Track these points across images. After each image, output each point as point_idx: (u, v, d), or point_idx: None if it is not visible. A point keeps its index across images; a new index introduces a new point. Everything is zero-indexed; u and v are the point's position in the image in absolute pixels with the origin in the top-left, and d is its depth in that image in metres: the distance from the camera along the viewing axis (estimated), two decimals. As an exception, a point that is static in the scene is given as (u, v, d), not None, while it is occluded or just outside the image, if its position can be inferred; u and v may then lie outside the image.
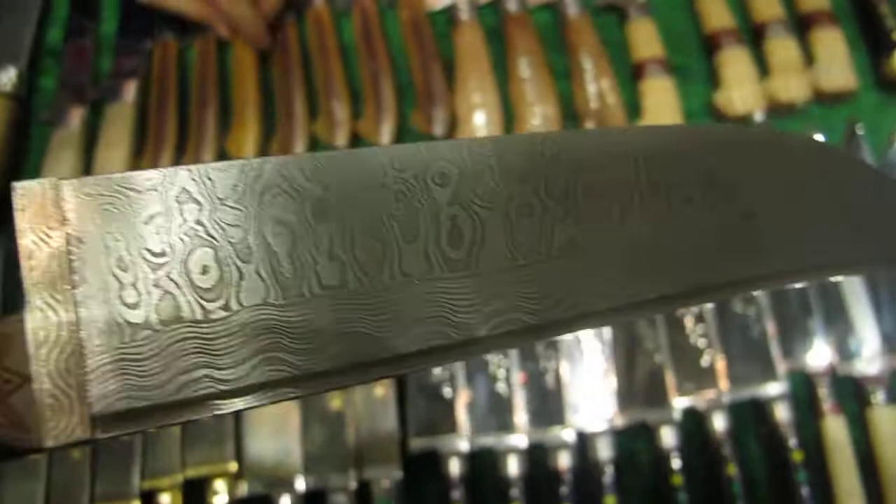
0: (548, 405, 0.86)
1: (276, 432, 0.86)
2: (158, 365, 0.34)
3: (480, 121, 0.98)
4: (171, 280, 0.35)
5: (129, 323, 0.34)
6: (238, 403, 0.35)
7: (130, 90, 1.05)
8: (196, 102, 1.04)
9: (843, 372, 0.87)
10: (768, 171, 0.47)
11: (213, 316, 0.35)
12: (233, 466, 0.84)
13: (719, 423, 0.85)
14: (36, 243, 0.34)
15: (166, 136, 1.02)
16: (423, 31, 1.04)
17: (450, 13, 1.07)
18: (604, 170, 0.43)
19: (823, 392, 0.86)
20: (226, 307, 0.35)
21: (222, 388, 0.34)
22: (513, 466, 0.84)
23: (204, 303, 0.35)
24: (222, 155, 1.01)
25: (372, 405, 0.86)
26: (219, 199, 0.36)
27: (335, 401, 0.86)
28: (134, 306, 0.34)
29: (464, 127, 0.98)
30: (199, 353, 0.34)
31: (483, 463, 0.86)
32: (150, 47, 1.10)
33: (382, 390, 0.86)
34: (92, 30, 1.12)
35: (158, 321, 0.34)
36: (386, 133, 0.98)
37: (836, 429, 0.85)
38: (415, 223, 0.39)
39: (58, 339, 0.33)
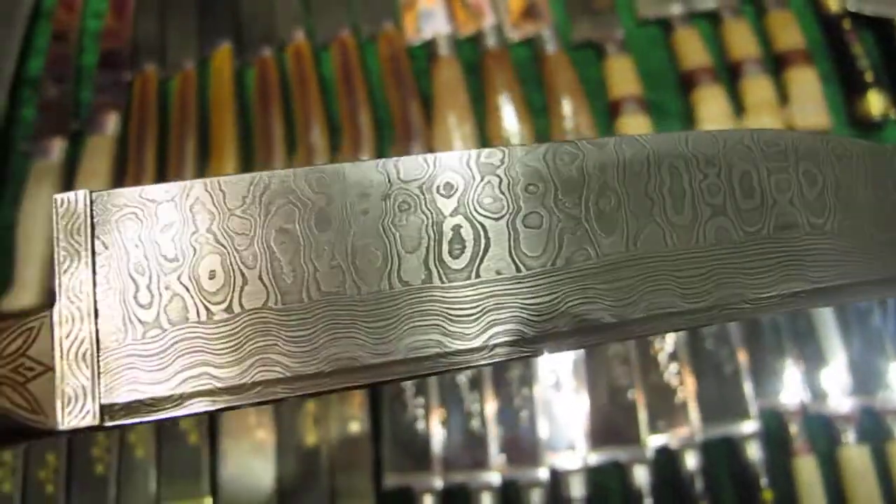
0: (521, 443, 0.86)
1: (251, 467, 0.86)
2: (163, 361, 0.37)
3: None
4: (181, 283, 0.38)
5: (141, 321, 0.37)
6: (232, 401, 0.37)
7: (111, 122, 1.06)
8: (176, 135, 1.04)
9: (814, 411, 0.88)
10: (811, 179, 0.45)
11: (217, 317, 0.38)
12: (207, 501, 0.84)
13: (691, 461, 0.85)
14: (67, 249, 0.38)
15: (146, 168, 1.02)
16: (402, 67, 1.05)
17: (429, 48, 1.08)
18: (620, 180, 0.43)
19: (795, 431, 0.87)
20: (228, 309, 0.38)
21: (218, 385, 0.37)
22: (486, 504, 0.85)
23: (209, 305, 0.38)
24: (201, 188, 1.01)
25: (347, 441, 0.86)
26: (229, 209, 0.39)
27: (310, 436, 0.87)
28: (147, 306, 0.38)
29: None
30: (200, 351, 0.37)
31: (456, 500, 0.86)
32: (131, 79, 1.10)
33: (357, 426, 0.87)
34: (72, 61, 1.13)
35: (167, 321, 0.37)
36: (364, 168, 0.98)
37: (807, 468, 0.85)
38: (416, 233, 0.40)
39: (79, 333, 0.37)
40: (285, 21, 1.12)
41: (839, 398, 0.87)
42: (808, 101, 1.00)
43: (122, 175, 1.03)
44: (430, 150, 1.00)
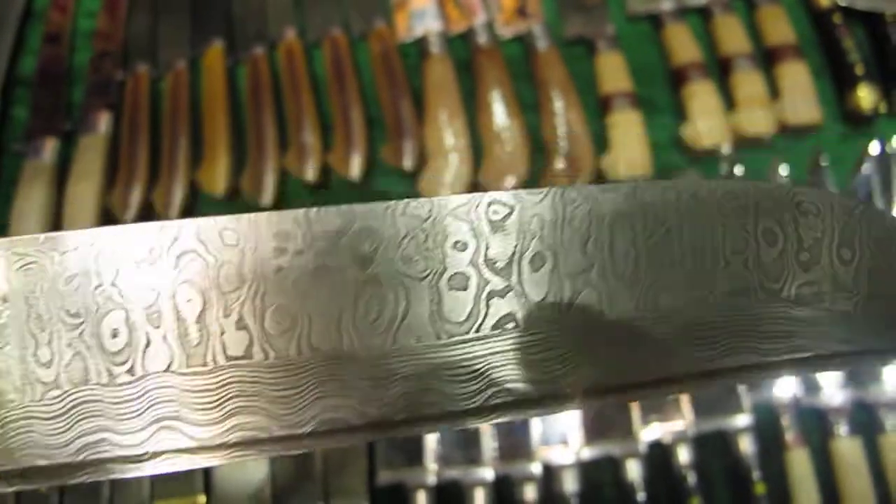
0: (514, 438, 0.86)
1: (244, 465, 0.86)
2: (63, 425, 0.34)
3: (450, 154, 0.99)
4: (83, 341, 0.35)
5: (41, 381, 0.35)
6: (134, 469, 0.35)
7: (103, 122, 1.06)
8: (168, 134, 1.04)
9: (807, 403, 0.88)
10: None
11: (118, 380, 0.35)
12: (201, 499, 0.84)
13: (684, 455, 0.85)
14: None
15: (138, 167, 1.02)
16: (394, 64, 1.05)
17: (420, 45, 1.08)
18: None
19: (787, 423, 0.87)
20: (131, 371, 0.35)
21: (120, 452, 0.34)
22: (479, 499, 0.85)
23: (111, 366, 0.35)
24: (193, 187, 1.01)
25: (340, 438, 0.86)
26: (135, 261, 0.36)
27: (303, 434, 0.87)
28: (47, 365, 0.35)
29: (433, 160, 0.99)
30: (101, 416, 0.35)
31: (450, 496, 0.86)
32: (123, 79, 1.10)
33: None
34: (64, 61, 1.13)
35: (67, 381, 0.35)
36: (355, 166, 0.99)
37: (799, 461, 0.85)
38: (328, 291, 0.36)
39: None
40: (276, 19, 1.12)
41: (832, 391, 0.87)
42: (799, 95, 1.00)
43: (114, 175, 1.03)
44: (422, 147, 1.00)
